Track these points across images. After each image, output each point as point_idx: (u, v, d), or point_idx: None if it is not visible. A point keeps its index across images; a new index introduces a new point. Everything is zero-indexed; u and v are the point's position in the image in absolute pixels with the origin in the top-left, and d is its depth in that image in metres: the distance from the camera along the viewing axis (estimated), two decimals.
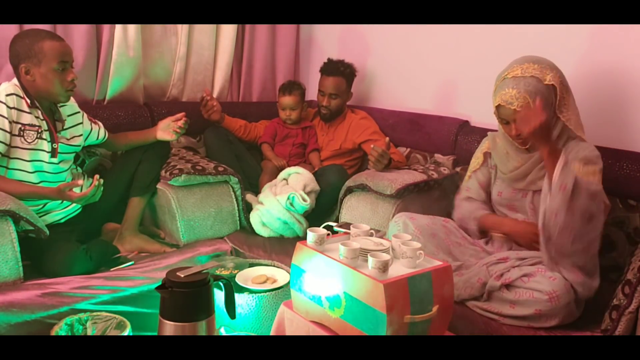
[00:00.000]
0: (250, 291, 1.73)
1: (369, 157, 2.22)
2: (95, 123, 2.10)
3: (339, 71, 2.57)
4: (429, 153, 2.51)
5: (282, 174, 2.35)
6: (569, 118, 1.65)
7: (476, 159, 1.93)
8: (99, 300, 1.66)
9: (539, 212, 1.55)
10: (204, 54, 2.67)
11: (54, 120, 1.90)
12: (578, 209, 1.50)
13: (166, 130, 2.16)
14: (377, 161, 2.18)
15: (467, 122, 2.42)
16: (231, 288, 1.55)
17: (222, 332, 1.66)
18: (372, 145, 2.22)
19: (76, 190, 1.79)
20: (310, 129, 2.69)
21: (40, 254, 1.77)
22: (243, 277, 1.81)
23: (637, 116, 1.93)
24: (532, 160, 1.70)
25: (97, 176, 1.78)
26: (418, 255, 1.37)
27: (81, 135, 2.01)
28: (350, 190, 2.20)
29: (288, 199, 2.16)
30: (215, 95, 2.76)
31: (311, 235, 1.45)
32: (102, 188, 1.80)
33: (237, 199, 2.29)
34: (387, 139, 2.22)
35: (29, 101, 1.79)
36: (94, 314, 1.58)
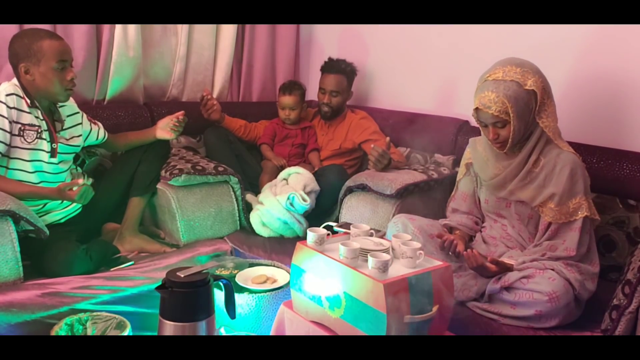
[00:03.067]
0: (250, 291, 1.73)
1: (369, 157, 2.22)
2: (94, 123, 2.10)
3: (340, 69, 2.58)
4: (429, 153, 2.51)
5: (282, 174, 2.35)
6: (548, 125, 1.62)
7: (460, 169, 1.93)
8: (99, 300, 1.66)
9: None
10: (204, 54, 2.67)
11: (54, 120, 1.89)
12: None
13: (165, 129, 2.16)
14: (377, 161, 2.17)
15: (467, 122, 2.42)
16: (231, 288, 1.55)
17: (222, 332, 1.66)
18: (372, 145, 2.22)
19: (76, 189, 1.79)
20: (309, 129, 2.69)
21: (40, 254, 1.77)
22: (243, 277, 1.81)
23: (637, 116, 1.93)
24: (510, 167, 1.69)
25: (81, 180, 1.77)
26: (418, 255, 1.37)
27: (80, 135, 2.01)
28: (350, 190, 2.20)
29: (288, 199, 2.16)
30: (215, 95, 2.76)
31: (311, 235, 1.46)
32: (87, 189, 1.76)
33: (237, 199, 2.29)
34: (388, 138, 2.22)
35: (28, 101, 1.79)
36: (94, 314, 1.58)
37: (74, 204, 1.96)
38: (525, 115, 1.60)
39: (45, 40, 1.75)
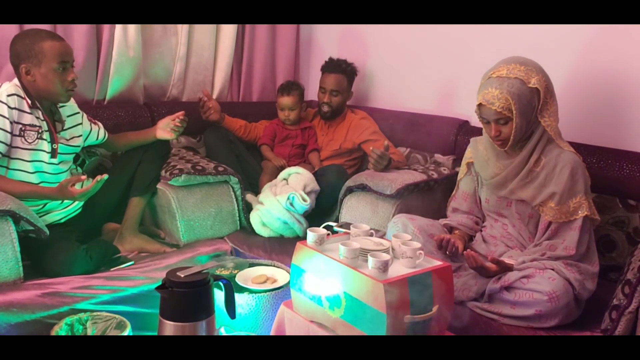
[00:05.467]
0: (250, 291, 1.73)
1: (369, 158, 2.22)
2: (94, 123, 2.10)
3: (341, 68, 2.58)
4: (429, 153, 2.51)
5: (282, 174, 2.35)
6: (550, 124, 1.63)
7: (461, 168, 1.93)
8: (99, 300, 1.66)
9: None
10: (204, 54, 2.67)
11: (54, 121, 1.89)
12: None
13: (165, 129, 2.16)
14: (377, 162, 2.18)
15: (467, 122, 2.42)
16: (231, 288, 1.55)
17: (222, 332, 1.66)
18: (371, 148, 2.22)
19: (77, 186, 1.79)
20: (309, 130, 2.69)
21: (41, 254, 1.77)
22: (243, 277, 1.81)
23: (637, 116, 1.93)
24: (511, 166, 1.70)
25: (84, 177, 1.78)
26: (418, 255, 1.38)
27: (81, 135, 2.01)
28: (350, 190, 2.20)
29: (288, 199, 2.16)
30: (215, 95, 2.76)
31: (311, 235, 1.46)
32: (101, 183, 1.79)
33: (237, 199, 2.29)
34: (385, 143, 2.21)
35: (29, 101, 1.79)
36: (94, 314, 1.58)
37: (75, 204, 1.96)
38: (527, 112, 1.60)
39: (46, 41, 1.75)
